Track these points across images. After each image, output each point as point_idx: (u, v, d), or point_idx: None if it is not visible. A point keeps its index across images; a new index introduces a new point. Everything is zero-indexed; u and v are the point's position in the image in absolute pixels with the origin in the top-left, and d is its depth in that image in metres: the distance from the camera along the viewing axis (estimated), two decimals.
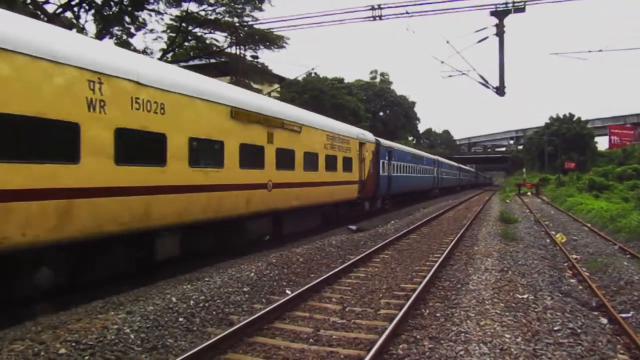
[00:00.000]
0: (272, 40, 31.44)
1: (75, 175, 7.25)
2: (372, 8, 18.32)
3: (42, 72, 6.85)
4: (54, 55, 7.02)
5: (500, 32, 18.02)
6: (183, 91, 9.60)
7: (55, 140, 7.11)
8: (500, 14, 17.78)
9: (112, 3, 25.35)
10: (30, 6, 20.63)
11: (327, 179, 16.87)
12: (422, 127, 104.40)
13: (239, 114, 11.41)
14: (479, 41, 18.67)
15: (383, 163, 24.79)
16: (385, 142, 26.56)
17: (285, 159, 13.79)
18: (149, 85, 8.67)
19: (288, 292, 8.61)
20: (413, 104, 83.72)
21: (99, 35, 25.53)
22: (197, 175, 9.98)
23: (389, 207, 26.69)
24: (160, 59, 27.77)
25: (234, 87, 14.03)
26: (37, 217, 6.70)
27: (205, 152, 10.48)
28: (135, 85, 8.39)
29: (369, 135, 23.21)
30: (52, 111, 6.93)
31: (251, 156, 12.01)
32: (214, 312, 7.20)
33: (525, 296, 8.18)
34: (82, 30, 23.32)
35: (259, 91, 35.46)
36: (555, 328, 6.59)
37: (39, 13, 20.66)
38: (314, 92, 42.56)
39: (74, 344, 5.37)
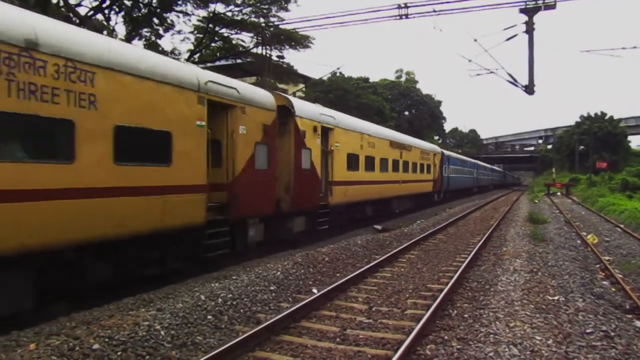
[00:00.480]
0: (297, 40, 31.50)
1: (368, 176, 18.59)
2: (399, 7, 18.21)
3: (379, 142, 20.11)
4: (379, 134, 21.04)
5: (529, 30, 17.71)
6: (378, 136, 20.51)
7: (373, 164, 19.22)
8: (530, 11, 17.46)
9: (141, 5, 25.82)
10: (63, 9, 21.16)
11: (420, 178, 27.93)
12: (448, 126, 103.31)
13: (392, 144, 22.30)
14: (508, 39, 18.41)
15: (445, 167, 34.64)
16: (445, 151, 36.78)
17: (406, 166, 24.47)
18: (374, 135, 19.81)
19: (314, 291, 8.64)
20: (439, 103, 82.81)
21: (129, 37, 26.03)
22: (380, 176, 20.33)
23: (448, 198, 36.87)
24: (187, 59, 28.15)
25: (390, 130, 25.06)
26: (348, 192, 16.75)
27: (384, 164, 20.91)
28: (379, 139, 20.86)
29: (437, 148, 34.34)
30: (378, 154, 19.72)
31: (395, 165, 22.66)
32: (242, 310, 7.28)
33: (555, 298, 8.03)
34: (112, 32, 23.80)
35: (284, 91, 35.71)
36: (587, 330, 6.45)
37: (72, 15, 21.16)
38: (338, 92, 42.54)
39: (107, 339, 5.50)
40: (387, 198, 22.20)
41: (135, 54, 8.52)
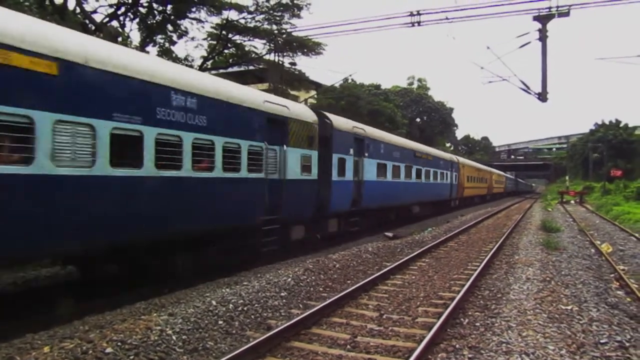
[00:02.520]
0: (309, 47, 31.67)
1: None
2: (411, 14, 18.23)
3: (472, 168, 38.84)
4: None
5: (543, 37, 17.62)
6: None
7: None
8: (543, 19, 17.37)
9: (155, 12, 26.12)
10: (80, 16, 21.49)
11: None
12: (460, 134, 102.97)
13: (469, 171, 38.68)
14: (521, 46, 18.34)
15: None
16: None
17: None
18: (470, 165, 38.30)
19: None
20: (451, 110, 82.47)
21: (143, 44, 26.33)
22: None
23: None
24: (200, 66, 28.39)
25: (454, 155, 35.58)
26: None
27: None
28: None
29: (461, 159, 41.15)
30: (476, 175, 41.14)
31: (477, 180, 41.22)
32: (253, 316, 7.30)
33: (569, 307, 7.95)
34: (127, 38, 24.10)
35: (295, 97, 35.81)
36: (602, 341, 6.38)
37: (88, 22, 21.48)
38: (350, 99, 42.59)
39: (119, 343, 5.55)
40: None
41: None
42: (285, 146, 12.34)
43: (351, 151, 16.37)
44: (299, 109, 13.90)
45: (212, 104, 9.75)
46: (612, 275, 12.07)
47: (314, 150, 13.81)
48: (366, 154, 17.54)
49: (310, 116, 14.08)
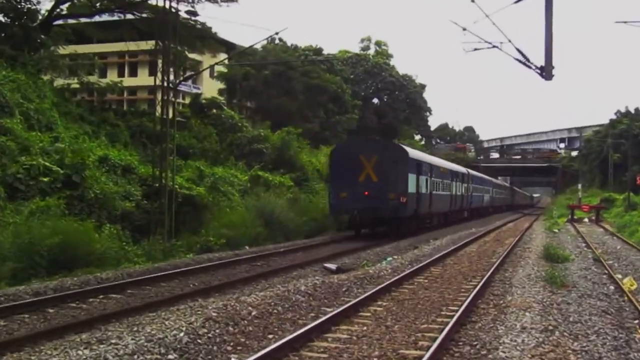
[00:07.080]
0: None
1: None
2: None
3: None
4: None
5: None
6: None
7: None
8: None
9: None
10: None
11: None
12: (434, 122, 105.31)
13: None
14: (517, 1, 18.85)
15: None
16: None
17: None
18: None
19: None
20: (422, 87, 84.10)
21: None
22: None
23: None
24: (49, 13, 27.49)
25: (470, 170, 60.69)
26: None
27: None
28: None
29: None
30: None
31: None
32: None
33: None
34: None
35: (197, 63, 35.29)
36: None
37: None
38: (277, 68, 42.56)
39: None
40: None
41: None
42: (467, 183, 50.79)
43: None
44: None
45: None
46: (637, 321, 12.62)
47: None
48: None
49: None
